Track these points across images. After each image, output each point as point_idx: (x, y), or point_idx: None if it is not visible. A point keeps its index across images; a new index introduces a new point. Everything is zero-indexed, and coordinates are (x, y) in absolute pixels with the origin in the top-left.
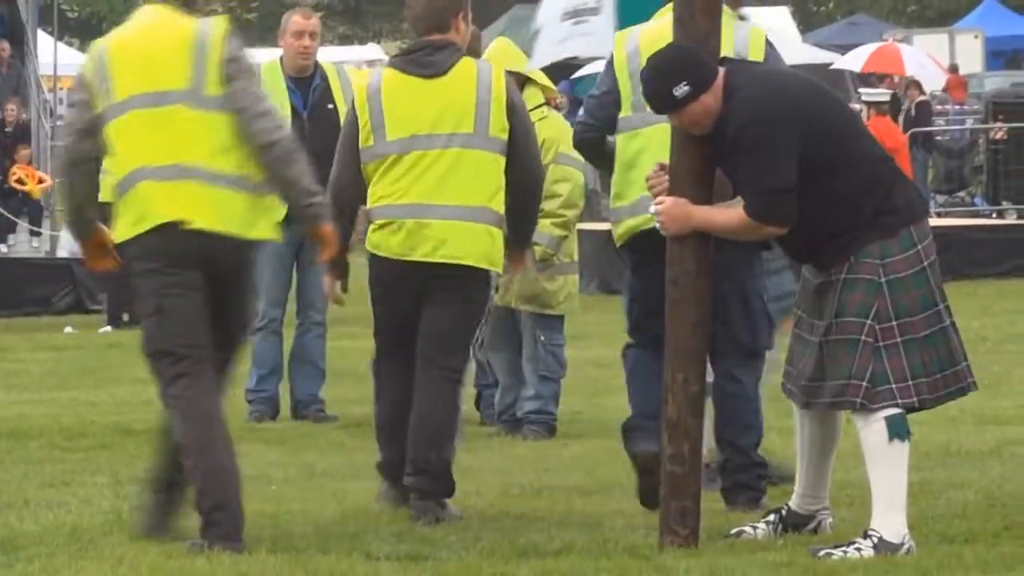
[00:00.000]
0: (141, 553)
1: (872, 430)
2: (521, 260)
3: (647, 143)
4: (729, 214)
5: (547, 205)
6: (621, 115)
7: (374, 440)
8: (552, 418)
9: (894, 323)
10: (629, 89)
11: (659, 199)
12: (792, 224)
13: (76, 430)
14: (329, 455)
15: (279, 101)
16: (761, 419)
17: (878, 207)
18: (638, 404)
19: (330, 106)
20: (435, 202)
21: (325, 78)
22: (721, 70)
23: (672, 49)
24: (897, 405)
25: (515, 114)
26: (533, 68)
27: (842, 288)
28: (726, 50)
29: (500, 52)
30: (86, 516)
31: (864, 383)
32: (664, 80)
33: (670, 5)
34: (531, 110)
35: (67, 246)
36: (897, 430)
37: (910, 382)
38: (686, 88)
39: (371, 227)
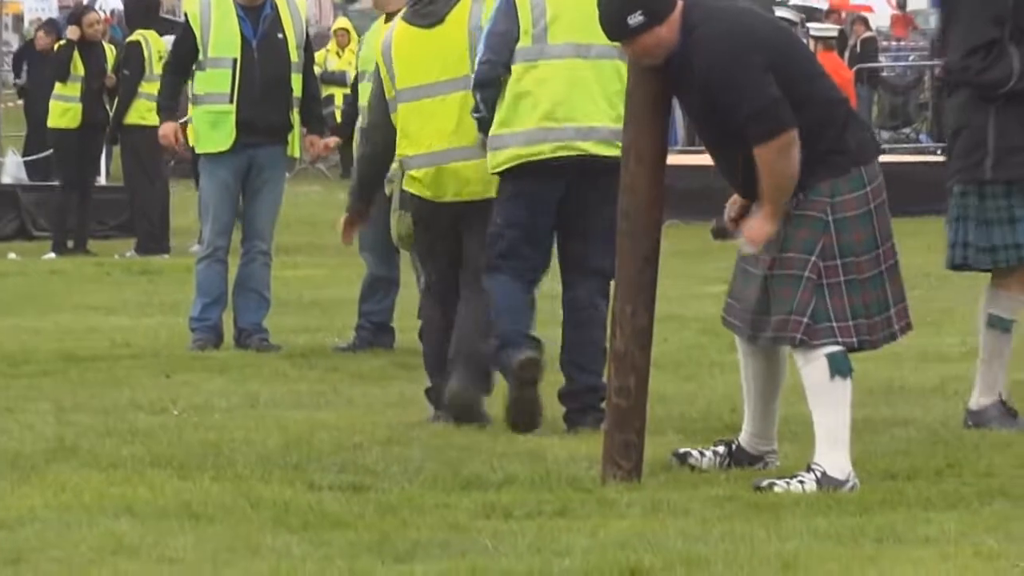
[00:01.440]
0: (83, 480)
1: (814, 367)
2: None
3: (547, 75)
4: (764, 182)
5: None
6: (519, 46)
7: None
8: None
9: (838, 262)
10: (530, 22)
11: (744, 230)
12: (795, 125)
13: (19, 357)
14: (272, 384)
15: (229, 29)
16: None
17: (830, 146)
18: (510, 323)
19: (280, 35)
20: (453, 146)
21: (275, 7)
22: (679, 4)
23: None
24: (837, 343)
25: None
26: None
27: (789, 223)
28: None
29: None
30: (28, 442)
31: (805, 319)
32: (619, 7)
33: None
34: None
35: (12, 172)
36: (839, 367)
37: (850, 322)
38: (640, 18)
39: (404, 175)
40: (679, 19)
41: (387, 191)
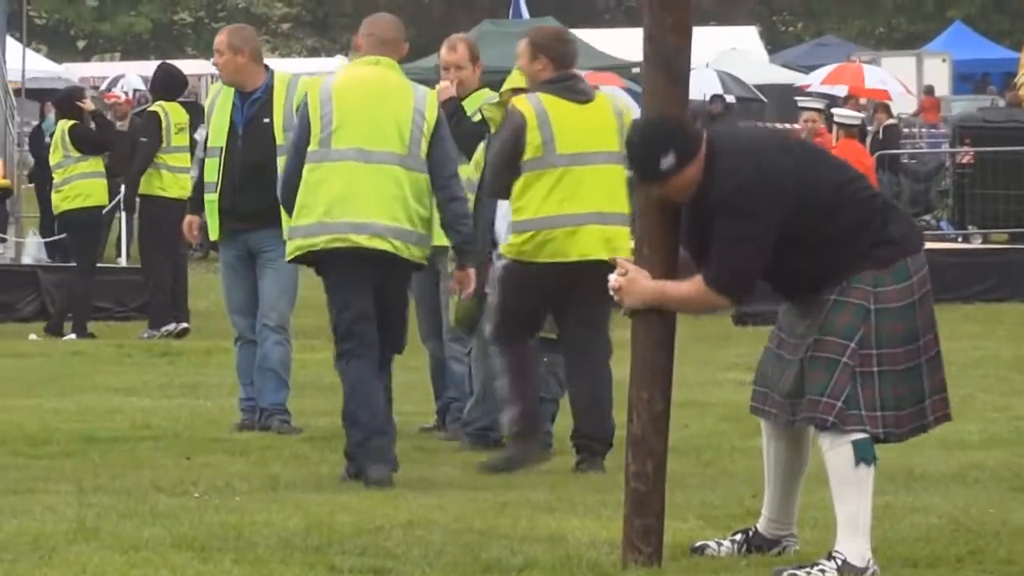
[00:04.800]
0: (104, 562)
1: (838, 453)
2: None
3: (328, 175)
4: (682, 287)
5: None
6: (309, 149)
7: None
8: (549, 436)
9: (873, 352)
10: (319, 129)
11: (619, 272)
12: (746, 299)
13: (40, 437)
14: (293, 467)
15: (222, 118)
16: None
17: (874, 241)
18: (368, 417)
19: (266, 120)
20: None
21: (269, 91)
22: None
23: (658, 119)
24: (865, 431)
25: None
26: None
27: (831, 308)
28: None
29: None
30: (50, 524)
31: (839, 403)
32: (650, 151)
33: (367, 58)
34: None
35: (32, 252)
36: (863, 454)
37: (878, 412)
38: (672, 159)
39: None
40: (705, 154)
41: (449, 269)
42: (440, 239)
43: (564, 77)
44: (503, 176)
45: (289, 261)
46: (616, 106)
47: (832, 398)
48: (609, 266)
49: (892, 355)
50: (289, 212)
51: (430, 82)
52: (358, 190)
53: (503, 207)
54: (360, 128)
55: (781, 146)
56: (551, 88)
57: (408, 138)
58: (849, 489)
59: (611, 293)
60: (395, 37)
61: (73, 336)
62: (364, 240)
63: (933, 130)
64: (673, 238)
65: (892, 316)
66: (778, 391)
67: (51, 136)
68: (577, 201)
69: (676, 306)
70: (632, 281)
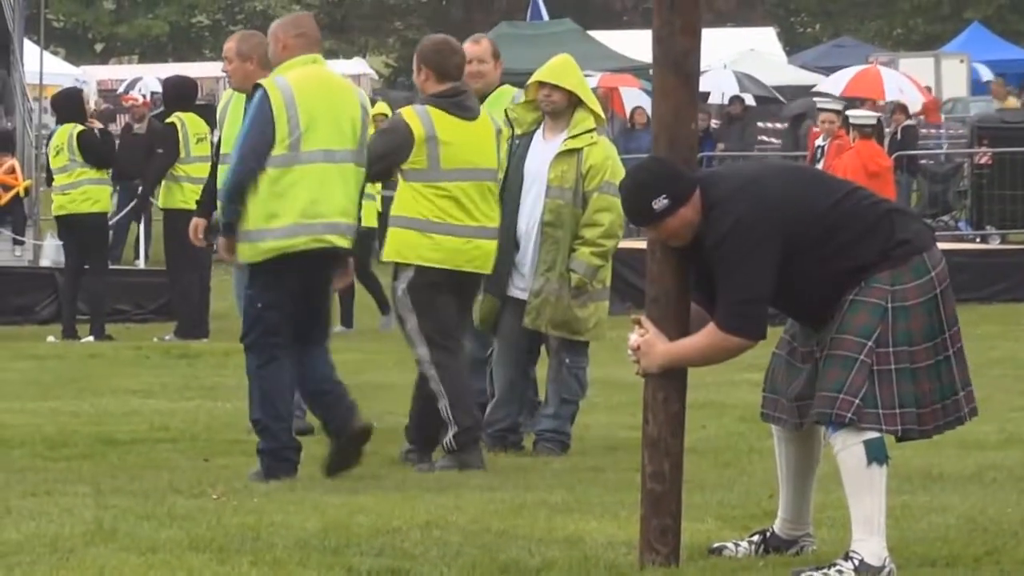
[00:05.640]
0: (122, 564)
1: (851, 453)
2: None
3: (300, 177)
4: (695, 340)
5: (587, 233)
6: (274, 153)
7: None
8: (567, 437)
9: (891, 350)
10: (286, 133)
11: (639, 332)
12: (760, 339)
13: (58, 440)
14: (310, 468)
15: (235, 125)
16: None
17: (884, 246)
18: (277, 418)
19: None
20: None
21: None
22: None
23: (650, 162)
24: (880, 430)
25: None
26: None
27: (848, 308)
28: None
29: (561, 67)
30: (67, 526)
31: (856, 400)
32: (643, 193)
33: (305, 57)
34: (580, 135)
35: (50, 255)
36: (876, 454)
37: (897, 410)
38: (665, 201)
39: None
40: (700, 197)
41: None
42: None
43: (454, 92)
44: (375, 166)
45: (254, 264)
46: (496, 125)
47: (850, 395)
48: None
49: (911, 353)
50: (231, 216)
51: None
52: (328, 191)
53: (526, 206)
54: (325, 129)
55: (772, 177)
56: (440, 103)
57: (360, 134)
58: (863, 489)
59: (629, 353)
60: (319, 36)
61: (91, 338)
62: (336, 239)
63: (936, 130)
64: (685, 290)
65: (911, 313)
66: (786, 396)
67: (48, 138)
68: (462, 215)
69: (693, 360)
70: (650, 345)
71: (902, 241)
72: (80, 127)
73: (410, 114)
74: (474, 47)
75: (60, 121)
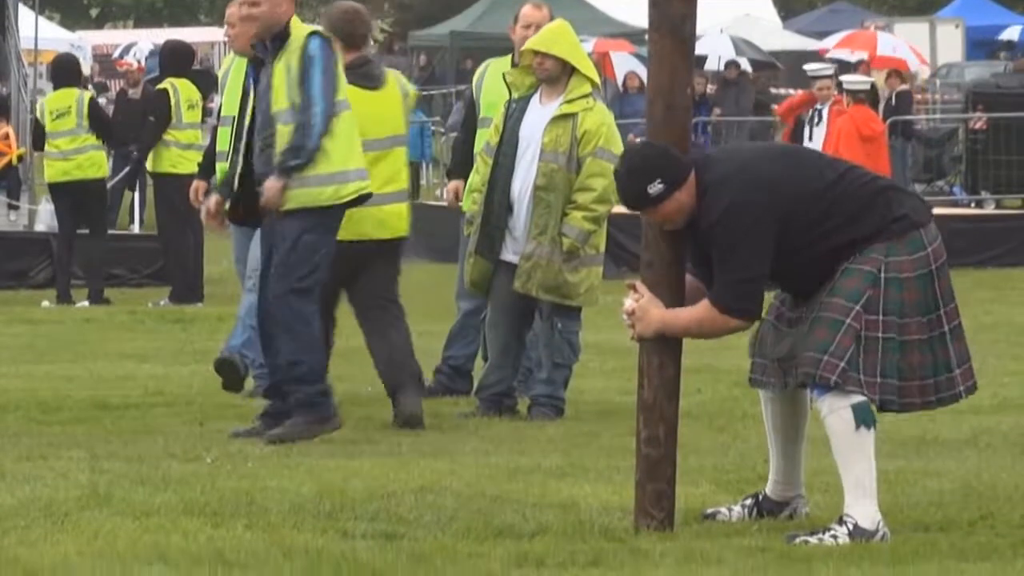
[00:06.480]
0: (117, 528)
1: (838, 417)
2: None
3: (349, 124)
4: (692, 311)
5: (580, 198)
6: (338, 97)
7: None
8: (561, 402)
9: (880, 318)
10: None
11: (633, 296)
12: (756, 319)
13: (53, 404)
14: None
15: (234, 89)
16: None
17: (879, 223)
18: (320, 363)
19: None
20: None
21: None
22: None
23: (645, 147)
24: (863, 395)
25: None
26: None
27: (841, 274)
28: None
29: (553, 34)
30: (62, 490)
31: (842, 363)
32: (637, 178)
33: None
34: (576, 99)
35: (45, 220)
36: (863, 418)
37: (877, 379)
38: (660, 186)
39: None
40: (695, 181)
41: (465, 232)
42: (468, 203)
43: (358, 63)
44: None
45: (326, 208)
46: (403, 88)
47: (835, 358)
48: (390, 244)
49: (901, 324)
50: (307, 159)
51: (442, 49)
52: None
53: (520, 170)
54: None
55: (766, 159)
56: (347, 75)
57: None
58: (852, 453)
59: (624, 317)
60: None
61: (86, 303)
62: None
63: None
64: (680, 256)
65: (904, 286)
66: (771, 357)
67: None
68: None
69: (688, 331)
70: (644, 310)
71: (899, 217)
72: (88, 94)
73: None
74: (535, 12)
75: (58, 86)
